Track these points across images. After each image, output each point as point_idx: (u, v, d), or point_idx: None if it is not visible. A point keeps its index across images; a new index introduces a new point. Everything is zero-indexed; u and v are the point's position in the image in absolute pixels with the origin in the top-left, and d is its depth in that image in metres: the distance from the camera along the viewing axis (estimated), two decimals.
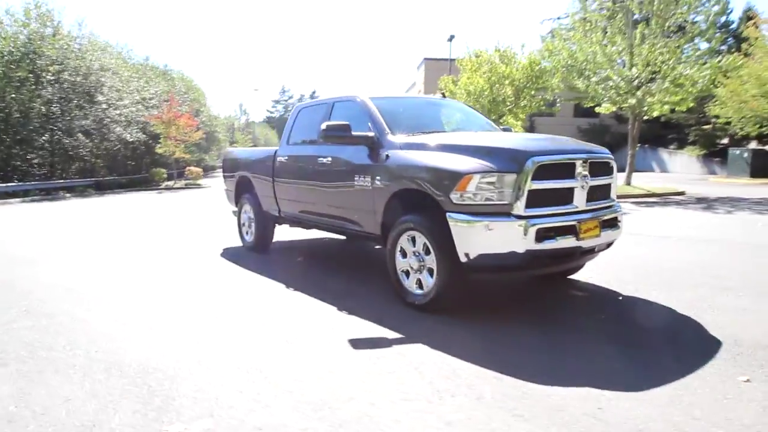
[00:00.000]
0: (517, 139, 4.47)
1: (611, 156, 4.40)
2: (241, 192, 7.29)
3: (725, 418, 2.48)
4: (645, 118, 17.35)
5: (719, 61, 15.42)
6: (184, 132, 26.38)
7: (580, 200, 4.02)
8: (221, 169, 7.87)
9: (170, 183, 27.40)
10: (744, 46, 23.52)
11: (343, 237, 7.69)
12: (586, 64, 16.33)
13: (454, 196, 3.82)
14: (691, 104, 16.49)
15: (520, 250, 3.72)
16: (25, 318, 4.21)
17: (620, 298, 4.55)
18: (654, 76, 15.99)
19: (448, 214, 3.86)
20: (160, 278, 5.65)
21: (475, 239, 3.75)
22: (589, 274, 5.23)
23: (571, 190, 3.97)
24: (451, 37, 30.10)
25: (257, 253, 6.83)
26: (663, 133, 36.00)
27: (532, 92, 15.08)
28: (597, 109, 17.30)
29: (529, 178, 3.73)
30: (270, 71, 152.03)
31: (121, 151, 27.74)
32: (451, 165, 3.90)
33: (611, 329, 3.78)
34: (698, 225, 9.30)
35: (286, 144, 6.17)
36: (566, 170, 3.95)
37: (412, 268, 4.26)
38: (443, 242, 3.95)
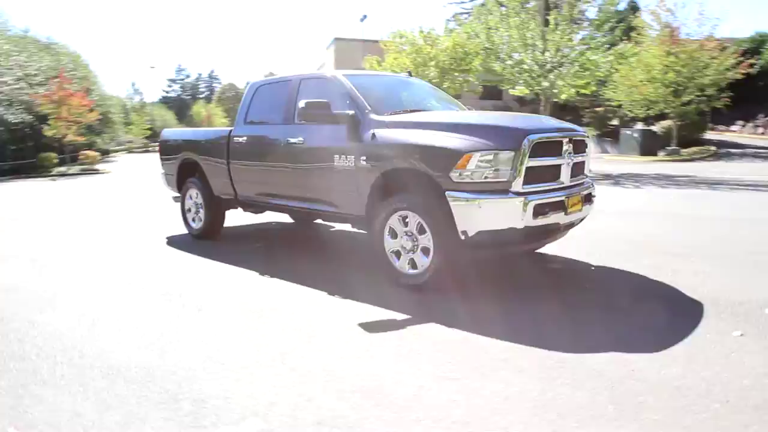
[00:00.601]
0: (506, 117, 4.53)
1: (587, 134, 4.61)
2: (185, 176, 6.77)
3: (743, 368, 2.72)
4: (554, 100, 18.43)
5: (619, 49, 16.70)
6: (77, 113, 24.00)
7: (565, 176, 4.18)
8: (159, 152, 7.24)
9: (63, 169, 24.87)
10: (633, 35, 25.61)
11: (291, 220, 7.50)
12: (503, 47, 16.97)
13: (454, 175, 3.81)
14: (594, 88, 17.77)
15: (520, 225, 3.81)
16: None
17: (593, 268, 4.82)
18: (563, 60, 16.99)
19: (447, 192, 3.85)
20: (113, 273, 5.12)
21: (477, 217, 3.78)
22: (549, 247, 5.46)
23: (558, 167, 4.11)
24: (364, 17, 29.93)
25: (208, 241, 6.41)
26: (560, 116, 38.44)
27: (456, 74, 15.44)
28: (512, 92, 18.08)
29: (527, 156, 3.81)
30: (165, 48, 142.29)
31: (2, 134, 24.68)
32: (450, 143, 3.87)
33: (602, 299, 3.99)
34: (620, 199, 10.09)
35: (243, 123, 5.79)
36: (555, 148, 4.08)
37: (404, 248, 4.20)
38: (440, 221, 3.94)
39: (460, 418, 2.33)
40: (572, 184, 4.27)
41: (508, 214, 3.78)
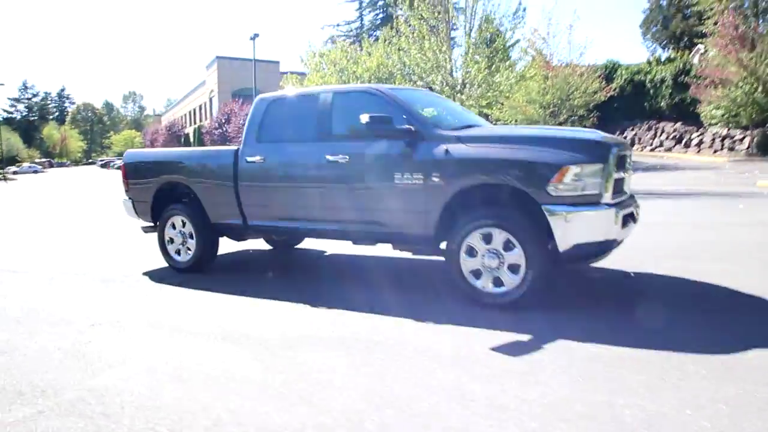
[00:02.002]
0: (581, 131, 4.58)
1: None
2: (165, 202, 5.98)
3: None
4: None
5: (521, 71, 18.12)
6: None
7: (627, 189, 4.38)
8: (123, 176, 6.29)
9: None
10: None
11: (267, 246, 6.99)
12: (415, 68, 17.54)
13: (550, 188, 3.79)
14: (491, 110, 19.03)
15: (612, 237, 3.90)
16: None
17: (633, 274, 5.08)
18: (473, 81, 18.00)
19: (544, 206, 3.82)
20: (108, 309, 4.30)
21: (575, 229, 3.80)
22: None
23: (623, 180, 4.30)
24: (255, 36, 29.04)
25: (198, 273, 5.67)
26: None
27: None
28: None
29: (614, 168, 3.93)
30: (6, 64, 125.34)
31: None
32: (545, 158, 3.85)
33: (683, 302, 4.20)
34: None
35: (256, 142, 5.25)
36: (624, 161, 4.26)
37: (487, 266, 4.08)
38: (533, 235, 3.90)
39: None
40: (629, 196, 4.49)
41: (603, 225, 3.85)
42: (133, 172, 6.20)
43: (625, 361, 3.06)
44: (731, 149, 27.44)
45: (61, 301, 4.90)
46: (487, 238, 4.06)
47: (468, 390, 2.76)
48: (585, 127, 30.63)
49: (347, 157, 4.63)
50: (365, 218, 4.66)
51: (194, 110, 60.03)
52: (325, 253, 6.85)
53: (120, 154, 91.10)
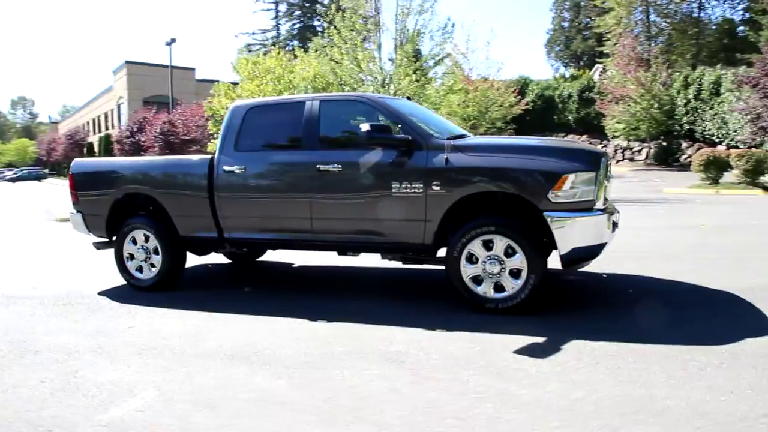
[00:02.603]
0: (568, 141, 4.81)
1: None
2: (123, 215, 5.53)
3: None
4: None
5: (451, 85, 18.74)
6: None
7: (608, 197, 4.66)
8: (71, 187, 5.73)
9: None
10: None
11: (226, 260, 6.70)
12: (347, 78, 17.55)
13: (551, 196, 3.95)
14: None
15: (605, 240, 4.13)
16: None
17: (605, 275, 5.39)
18: (405, 93, 18.30)
19: (546, 213, 3.96)
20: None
21: (574, 234, 3.98)
22: None
23: (606, 188, 4.57)
24: (172, 41, 27.73)
25: (161, 292, 5.28)
26: None
27: None
28: (353, 122, 18.74)
29: (604, 176, 4.17)
30: None
31: None
32: (546, 166, 4.01)
33: (665, 299, 4.52)
34: None
35: (235, 151, 4.99)
36: (607, 170, 4.53)
37: (488, 273, 4.15)
38: (534, 241, 4.04)
39: None
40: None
41: (598, 230, 4.07)
42: (85, 184, 5.67)
43: (642, 355, 3.24)
44: (631, 160, 30.06)
45: (21, 328, 4.35)
46: (488, 245, 4.14)
47: (515, 394, 2.80)
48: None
49: (340, 166, 4.54)
50: (359, 228, 4.59)
51: (99, 117, 56.03)
52: (293, 265, 6.64)
53: (9, 165, 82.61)
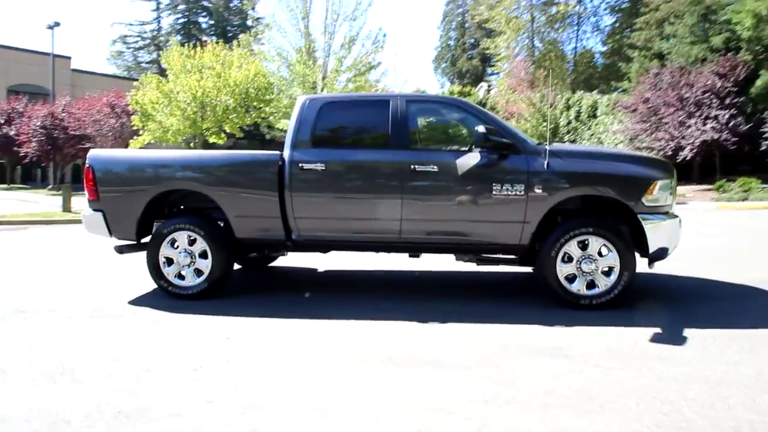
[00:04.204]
0: (633, 151, 5.23)
1: None
2: (159, 215, 4.99)
3: None
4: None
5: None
6: None
7: None
8: (91, 183, 4.98)
9: None
10: None
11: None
12: (279, 81, 17.12)
13: (645, 200, 4.37)
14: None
15: (678, 241, 4.64)
16: None
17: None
18: None
19: (640, 215, 4.37)
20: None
21: (662, 235, 4.43)
22: None
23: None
24: (55, 24, 24.66)
25: (204, 300, 4.82)
26: (268, 149, 39.89)
27: (256, 105, 14.45)
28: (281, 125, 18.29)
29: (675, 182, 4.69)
30: None
31: None
32: (639, 172, 4.42)
33: (692, 294, 5.14)
34: None
35: (312, 147, 4.74)
36: None
37: (582, 271, 4.45)
38: (627, 241, 4.43)
39: None
40: None
41: (677, 231, 4.57)
42: (110, 179, 4.99)
43: (748, 337, 3.73)
44: None
45: (62, 347, 3.75)
46: (583, 245, 4.44)
47: (685, 373, 3.08)
48: None
49: (436, 167, 4.56)
50: (452, 229, 4.63)
51: None
52: (318, 270, 6.40)
53: None
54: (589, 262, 4.44)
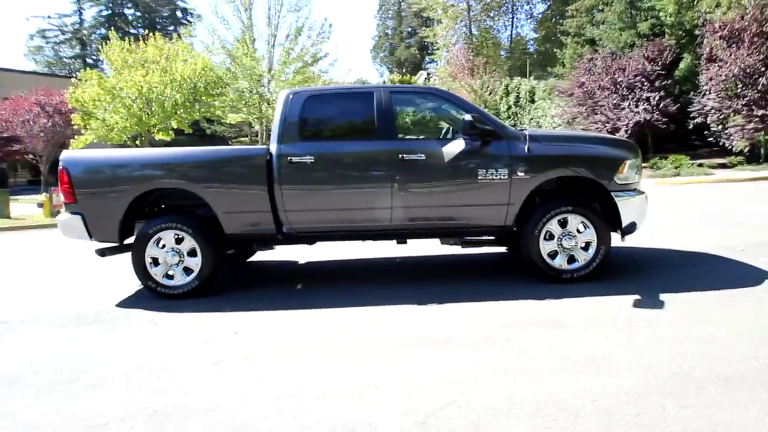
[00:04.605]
0: (597, 133, 5.57)
1: None
2: (139, 215, 4.90)
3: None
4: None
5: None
6: None
7: None
8: (65, 185, 4.78)
9: None
10: None
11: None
12: (224, 73, 16.70)
13: (616, 178, 4.72)
14: None
15: (646, 216, 5.04)
16: None
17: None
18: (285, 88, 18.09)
19: (613, 193, 4.72)
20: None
21: (632, 211, 4.80)
22: None
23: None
24: None
25: (194, 297, 4.78)
26: (210, 144, 38.77)
27: (204, 99, 13.93)
28: (228, 119, 17.93)
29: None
30: None
31: None
32: (610, 153, 4.77)
33: (654, 263, 5.60)
34: None
35: (299, 140, 4.77)
36: None
37: (563, 247, 4.76)
38: (601, 218, 4.77)
39: None
40: None
41: (645, 206, 4.96)
42: (88, 180, 4.82)
43: (719, 297, 4.16)
44: None
45: (62, 355, 3.67)
46: (563, 223, 4.75)
47: (672, 335, 3.43)
48: None
49: (423, 155, 4.71)
50: (441, 214, 4.82)
51: None
52: (299, 262, 6.44)
53: None
54: (569, 238, 4.75)
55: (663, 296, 4.23)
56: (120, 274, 5.62)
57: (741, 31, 15.75)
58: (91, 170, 4.88)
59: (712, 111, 16.50)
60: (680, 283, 4.62)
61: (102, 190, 4.83)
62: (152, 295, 4.87)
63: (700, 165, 16.66)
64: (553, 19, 37.55)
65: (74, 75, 12.07)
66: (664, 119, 18.44)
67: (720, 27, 16.46)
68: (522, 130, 4.98)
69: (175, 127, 13.60)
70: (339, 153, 4.84)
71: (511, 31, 40.17)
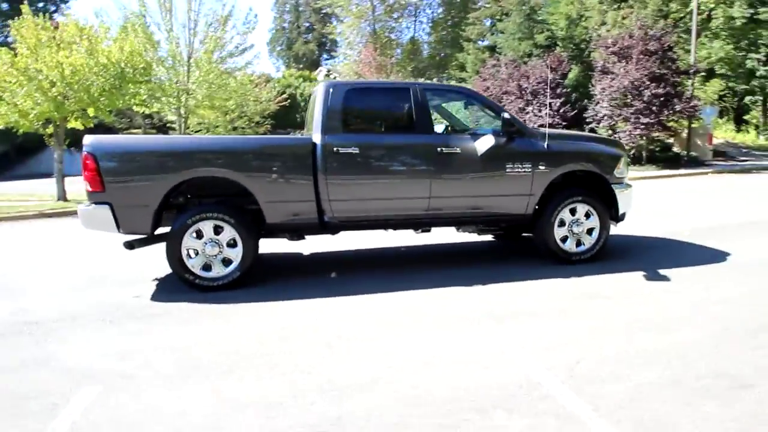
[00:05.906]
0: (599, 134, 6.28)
1: None
2: (177, 204, 4.76)
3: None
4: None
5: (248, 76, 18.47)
6: None
7: None
8: (92, 173, 4.46)
9: None
10: None
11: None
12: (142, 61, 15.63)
13: (615, 172, 5.50)
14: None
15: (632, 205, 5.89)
16: None
17: None
18: (201, 82, 17.32)
19: (613, 185, 5.48)
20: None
21: (626, 200, 5.61)
22: None
23: None
24: None
25: (234, 289, 4.75)
26: (97, 133, 35.40)
27: (131, 86, 12.61)
28: (148, 109, 16.79)
29: None
30: None
31: None
32: (609, 150, 5.53)
33: (623, 245, 6.51)
34: None
35: (344, 132, 4.91)
36: None
37: (574, 232, 5.43)
38: (604, 206, 5.52)
39: None
40: None
41: (632, 197, 5.80)
42: (120, 167, 4.56)
43: (699, 272, 5.07)
44: None
45: (140, 348, 3.59)
46: (573, 211, 5.42)
47: (679, 308, 4.17)
48: (258, 134, 32.52)
49: (459, 149, 5.11)
50: (472, 204, 5.24)
51: None
52: (304, 254, 6.48)
53: None
54: (577, 225, 5.43)
55: (664, 271, 5.04)
56: (111, 266, 5.33)
57: (629, 48, 18.05)
58: (124, 157, 4.62)
59: (605, 117, 18.70)
60: (667, 261, 5.48)
61: (137, 177, 4.59)
62: (186, 288, 4.72)
63: None
64: (448, 22, 39.53)
65: None
66: (564, 123, 20.49)
67: (612, 44, 18.72)
68: (541, 129, 5.60)
69: (92, 115, 12.41)
70: (382, 144, 5.08)
71: (414, 34, 41.64)
